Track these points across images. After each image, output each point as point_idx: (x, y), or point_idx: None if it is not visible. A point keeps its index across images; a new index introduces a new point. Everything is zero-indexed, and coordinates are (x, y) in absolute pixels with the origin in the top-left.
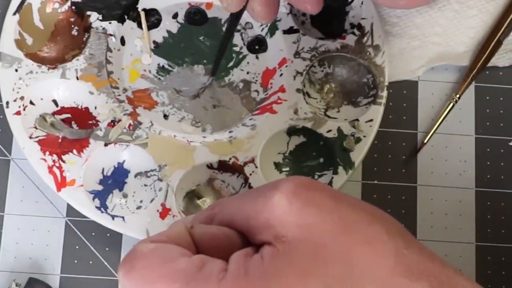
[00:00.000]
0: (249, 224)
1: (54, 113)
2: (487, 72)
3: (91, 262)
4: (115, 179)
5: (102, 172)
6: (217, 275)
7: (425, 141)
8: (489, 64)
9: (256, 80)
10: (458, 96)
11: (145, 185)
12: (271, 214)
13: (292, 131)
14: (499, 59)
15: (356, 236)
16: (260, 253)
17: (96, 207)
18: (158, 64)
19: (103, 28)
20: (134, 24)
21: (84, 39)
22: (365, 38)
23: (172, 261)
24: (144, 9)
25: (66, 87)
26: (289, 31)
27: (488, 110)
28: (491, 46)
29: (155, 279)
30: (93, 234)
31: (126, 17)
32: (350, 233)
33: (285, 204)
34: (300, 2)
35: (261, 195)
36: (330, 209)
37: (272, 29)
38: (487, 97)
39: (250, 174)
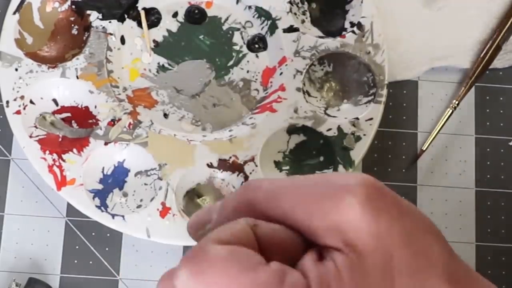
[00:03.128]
0: (312, 224)
1: (54, 112)
2: (487, 72)
3: (91, 262)
4: (115, 178)
5: (102, 171)
6: None
7: (425, 148)
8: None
9: (256, 79)
10: (457, 102)
11: (145, 184)
12: (342, 218)
13: (292, 130)
14: (499, 60)
15: (415, 247)
16: (332, 260)
17: (96, 206)
18: (158, 63)
19: (103, 27)
20: (134, 23)
21: (84, 38)
22: (365, 37)
23: (252, 270)
24: (144, 8)
25: (66, 86)
26: (289, 30)
27: (488, 110)
28: (490, 52)
29: None
30: (93, 234)
31: (126, 16)
32: (410, 244)
33: (358, 209)
34: None
35: (328, 194)
36: (396, 218)
37: (272, 28)
38: (487, 97)
39: (250, 173)
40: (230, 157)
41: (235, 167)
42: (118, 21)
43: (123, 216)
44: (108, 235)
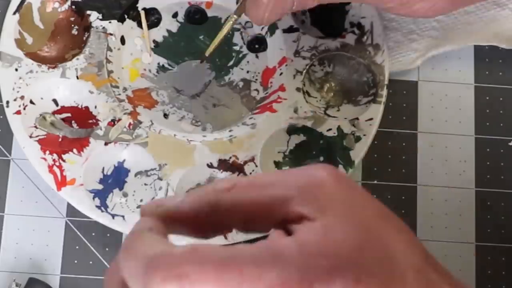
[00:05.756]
0: (288, 197)
1: (54, 113)
2: (487, 72)
3: (91, 262)
4: (115, 178)
5: (102, 171)
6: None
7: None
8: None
9: (256, 79)
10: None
11: (145, 184)
12: (318, 190)
13: (292, 130)
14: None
15: (392, 224)
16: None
17: (96, 206)
18: (158, 63)
19: (103, 28)
20: (134, 23)
21: (84, 38)
22: (365, 37)
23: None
24: (144, 8)
25: (66, 86)
26: (289, 30)
27: (488, 110)
28: None
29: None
30: (93, 234)
31: (126, 16)
32: (388, 220)
33: (333, 181)
34: None
35: (304, 172)
36: (370, 197)
37: (272, 28)
38: (487, 97)
39: (250, 173)
40: (230, 157)
41: (235, 167)
42: (118, 21)
43: (123, 216)
44: (108, 235)
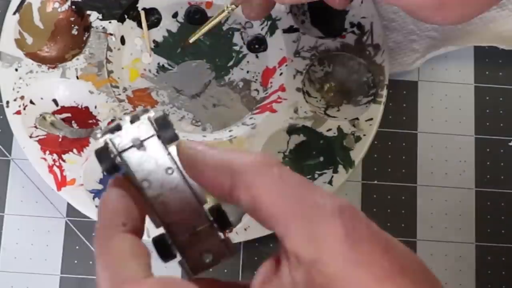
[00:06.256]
0: (289, 228)
1: (54, 113)
2: (487, 72)
3: (91, 262)
4: None
5: (102, 172)
6: None
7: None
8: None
9: (256, 79)
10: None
11: None
12: (322, 233)
13: (292, 130)
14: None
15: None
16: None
17: (96, 206)
18: (158, 63)
19: (103, 28)
20: (134, 24)
21: (84, 38)
22: (365, 37)
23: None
24: (144, 8)
25: (66, 86)
26: (289, 30)
27: (488, 110)
28: None
29: None
30: (93, 234)
31: (126, 16)
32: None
33: (341, 232)
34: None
35: (312, 210)
36: (379, 251)
37: (272, 28)
38: (487, 97)
39: None
40: None
41: None
42: (118, 21)
43: None
44: None
